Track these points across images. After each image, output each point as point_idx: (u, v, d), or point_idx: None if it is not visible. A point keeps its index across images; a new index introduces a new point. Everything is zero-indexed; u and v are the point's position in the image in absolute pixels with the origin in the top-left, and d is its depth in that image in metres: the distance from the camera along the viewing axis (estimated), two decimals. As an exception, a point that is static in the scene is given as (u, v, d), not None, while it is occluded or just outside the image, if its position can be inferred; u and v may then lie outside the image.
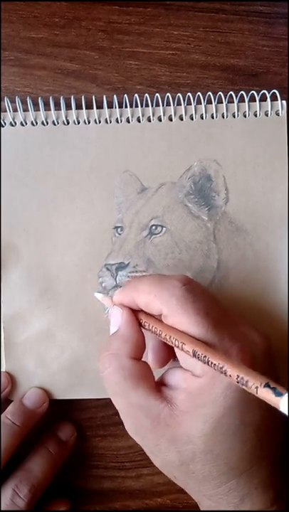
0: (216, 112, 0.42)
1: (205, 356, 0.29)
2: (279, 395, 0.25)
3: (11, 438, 0.39)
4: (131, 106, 0.42)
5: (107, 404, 0.42)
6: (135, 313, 0.35)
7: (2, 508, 0.37)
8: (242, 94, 0.42)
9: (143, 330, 0.35)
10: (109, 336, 0.35)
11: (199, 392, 0.31)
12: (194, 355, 0.30)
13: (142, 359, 0.34)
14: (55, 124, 0.42)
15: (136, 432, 0.33)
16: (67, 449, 0.41)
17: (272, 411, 0.31)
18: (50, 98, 0.42)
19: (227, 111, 0.42)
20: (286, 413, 0.24)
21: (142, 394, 0.32)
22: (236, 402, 0.30)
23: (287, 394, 0.25)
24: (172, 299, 0.32)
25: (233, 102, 0.42)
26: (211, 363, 0.29)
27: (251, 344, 0.33)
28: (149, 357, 0.36)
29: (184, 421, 0.31)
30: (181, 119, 0.42)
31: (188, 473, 0.32)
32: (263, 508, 0.32)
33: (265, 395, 0.26)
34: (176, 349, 0.32)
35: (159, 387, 0.33)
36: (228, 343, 0.31)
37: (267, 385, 0.26)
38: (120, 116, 0.42)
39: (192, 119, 0.42)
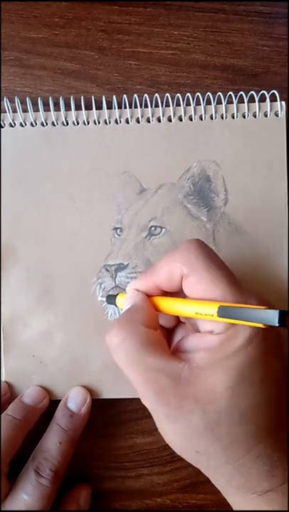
0: (215, 112, 0.42)
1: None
2: None
3: (12, 431, 0.39)
4: (130, 106, 0.42)
5: (107, 404, 0.42)
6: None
7: (30, 490, 0.37)
8: (241, 95, 0.42)
9: None
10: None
11: (220, 347, 0.31)
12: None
13: None
14: (54, 125, 0.42)
15: (158, 398, 0.31)
16: (80, 421, 0.41)
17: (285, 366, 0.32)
18: (50, 98, 0.42)
19: (226, 112, 0.42)
20: None
21: (160, 357, 0.31)
22: (258, 353, 0.30)
23: None
24: (191, 256, 0.32)
25: (233, 103, 0.42)
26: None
27: (265, 299, 0.33)
28: None
29: (207, 376, 0.30)
30: (181, 119, 0.42)
31: (214, 440, 0.30)
32: None
33: None
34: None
35: (175, 353, 0.33)
36: (248, 294, 0.31)
37: None
38: (119, 117, 0.42)
39: (191, 119, 0.42)
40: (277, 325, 0.26)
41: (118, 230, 0.42)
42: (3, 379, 0.42)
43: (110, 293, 0.42)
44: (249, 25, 0.45)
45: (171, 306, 0.34)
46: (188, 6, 0.45)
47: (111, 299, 0.39)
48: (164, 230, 0.42)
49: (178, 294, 0.34)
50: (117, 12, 0.45)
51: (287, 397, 0.32)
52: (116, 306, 0.38)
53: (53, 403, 0.41)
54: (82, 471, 0.43)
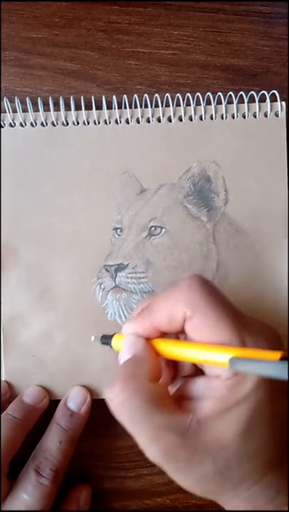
0: (215, 112, 0.42)
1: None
2: None
3: (12, 430, 0.39)
4: (130, 106, 0.42)
5: (107, 404, 0.42)
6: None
7: (30, 490, 0.37)
8: (241, 95, 0.42)
9: None
10: (121, 363, 0.33)
11: (229, 393, 0.30)
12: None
13: None
14: (54, 125, 0.42)
15: (166, 455, 0.30)
16: (80, 420, 0.41)
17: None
18: (50, 98, 0.42)
19: (226, 112, 0.42)
20: None
21: (166, 413, 0.30)
22: (267, 395, 0.30)
23: None
24: (194, 296, 0.31)
25: (233, 103, 0.42)
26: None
27: (270, 331, 0.32)
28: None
29: (215, 425, 0.30)
30: (181, 120, 0.42)
31: (224, 481, 0.30)
32: None
33: None
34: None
35: (179, 401, 0.32)
36: (255, 334, 0.30)
37: None
38: (119, 117, 0.42)
39: (191, 120, 0.42)
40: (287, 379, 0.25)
41: (118, 230, 0.42)
42: (3, 379, 0.42)
43: (110, 295, 0.41)
44: (249, 25, 0.45)
45: (176, 352, 0.32)
46: (188, 6, 0.45)
47: (106, 339, 0.37)
48: (164, 230, 0.42)
49: (177, 334, 0.33)
50: (117, 12, 0.45)
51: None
52: (111, 347, 0.36)
53: (53, 403, 0.41)
54: (82, 471, 0.43)
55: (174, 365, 0.36)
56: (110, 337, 0.36)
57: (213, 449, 0.29)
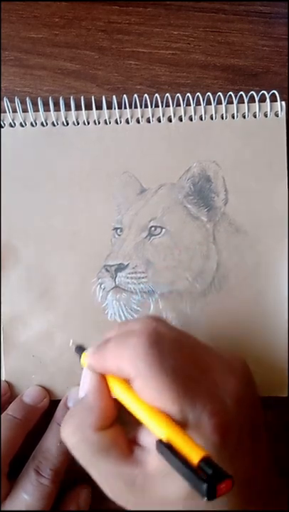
0: (215, 113, 0.42)
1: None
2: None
3: (12, 430, 0.39)
4: (130, 106, 0.42)
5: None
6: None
7: (30, 490, 0.37)
8: (241, 95, 0.42)
9: None
10: (75, 404, 0.34)
11: None
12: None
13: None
14: (54, 125, 0.42)
15: (116, 497, 0.31)
16: None
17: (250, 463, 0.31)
18: (50, 98, 0.42)
19: (226, 112, 0.42)
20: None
21: (112, 463, 0.30)
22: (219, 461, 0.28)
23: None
24: (137, 359, 0.30)
25: (233, 103, 0.42)
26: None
27: (223, 395, 0.31)
28: None
29: (161, 485, 0.29)
30: (181, 120, 0.42)
31: None
32: None
33: None
34: None
35: (132, 446, 0.31)
36: (199, 407, 0.29)
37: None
38: (119, 117, 0.42)
39: (191, 120, 0.42)
40: (204, 499, 0.24)
41: (118, 230, 0.42)
42: (3, 379, 0.42)
43: (110, 295, 0.42)
44: (249, 25, 0.45)
45: (123, 399, 0.32)
46: (188, 6, 0.45)
47: (79, 350, 0.36)
48: (164, 230, 0.42)
49: None
50: (117, 12, 0.45)
51: (256, 471, 0.31)
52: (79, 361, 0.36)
53: (53, 403, 0.41)
54: (82, 471, 0.43)
55: None
56: (82, 350, 0.35)
57: (161, 503, 0.29)
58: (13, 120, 0.42)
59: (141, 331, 0.31)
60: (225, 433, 0.29)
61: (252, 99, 0.42)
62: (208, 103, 0.42)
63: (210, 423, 0.28)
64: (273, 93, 0.42)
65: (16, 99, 0.42)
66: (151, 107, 0.42)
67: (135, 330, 0.31)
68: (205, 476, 0.25)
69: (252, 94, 0.42)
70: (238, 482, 0.28)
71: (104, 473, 0.30)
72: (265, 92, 0.42)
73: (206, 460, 0.26)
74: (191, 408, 0.29)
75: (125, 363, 0.30)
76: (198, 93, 0.42)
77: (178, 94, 0.42)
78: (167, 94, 0.42)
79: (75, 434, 0.31)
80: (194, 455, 0.26)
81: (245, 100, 0.42)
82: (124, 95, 0.42)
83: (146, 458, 0.30)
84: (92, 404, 0.32)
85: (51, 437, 0.40)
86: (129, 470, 0.30)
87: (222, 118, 0.42)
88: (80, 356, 0.35)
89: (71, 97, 0.42)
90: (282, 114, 0.42)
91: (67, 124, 0.42)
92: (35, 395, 0.41)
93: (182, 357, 0.31)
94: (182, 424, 0.28)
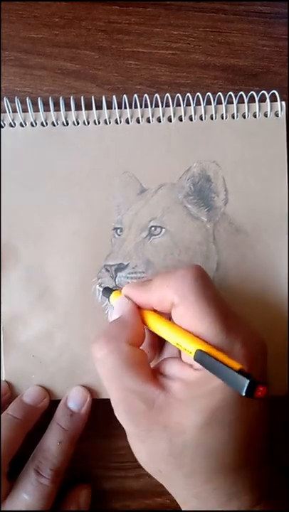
0: (215, 112, 0.42)
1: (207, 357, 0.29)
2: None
3: (12, 430, 0.39)
4: (130, 106, 0.42)
5: (106, 404, 0.42)
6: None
7: (30, 490, 0.37)
8: (241, 95, 0.42)
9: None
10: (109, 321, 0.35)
11: (197, 383, 0.31)
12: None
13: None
14: (54, 125, 0.42)
15: (129, 417, 0.32)
16: (80, 420, 0.41)
17: (264, 408, 0.32)
18: (50, 98, 0.42)
19: (226, 112, 0.42)
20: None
21: (138, 379, 0.32)
22: (234, 396, 0.30)
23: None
24: (185, 286, 0.32)
25: (233, 103, 0.42)
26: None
27: (253, 339, 0.33)
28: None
29: (179, 409, 0.31)
30: (181, 120, 0.42)
31: (176, 466, 0.31)
32: (248, 507, 0.32)
33: None
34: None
35: (155, 374, 0.33)
36: (233, 336, 0.31)
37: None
38: (119, 117, 0.42)
39: (191, 120, 0.42)
40: (243, 395, 0.26)
41: (118, 230, 0.42)
42: (3, 379, 0.42)
43: (107, 287, 0.42)
44: (249, 25, 0.45)
45: (157, 327, 0.34)
46: (188, 6, 0.45)
47: (107, 292, 0.40)
48: (164, 230, 0.42)
49: (169, 315, 0.34)
50: (117, 12, 0.45)
51: (258, 436, 0.32)
52: (109, 301, 0.39)
53: (53, 403, 0.41)
54: (82, 471, 0.43)
55: (161, 340, 0.37)
56: (111, 291, 0.39)
57: (172, 430, 0.31)
58: (13, 120, 0.42)
59: (188, 267, 0.34)
60: (252, 365, 0.30)
61: (252, 99, 0.42)
62: (208, 103, 0.42)
63: (241, 352, 0.31)
64: (273, 93, 0.42)
65: (16, 99, 0.42)
66: (151, 106, 0.42)
67: (182, 267, 0.34)
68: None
69: (252, 94, 0.42)
70: (254, 417, 0.30)
71: (126, 389, 0.32)
72: (265, 92, 0.42)
73: (242, 371, 0.27)
74: (226, 335, 0.31)
75: (171, 291, 0.32)
76: (198, 93, 0.42)
77: (178, 94, 0.42)
78: (167, 94, 0.42)
79: (107, 344, 0.33)
80: (233, 364, 0.28)
81: (245, 100, 0.42)
82: (124, 95, 0.42)
83: (170, 383, 0.32)
84: (127, 320, 0.34)
85: (51, 437, 0.40)
86: (152, 389, 0.31)
87: (222, 118, 0.42)
88: (108, 297, 0.39)
89: (71, 97, 0.42)
90: (282, 114, 0.42)
91: (67, 124, 0.42)
92: (35, 395, 0.41)
93: (220, 296, 0.34)
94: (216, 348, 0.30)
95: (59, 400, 0.41)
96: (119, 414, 0.33)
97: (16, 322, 0.42)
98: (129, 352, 0.32)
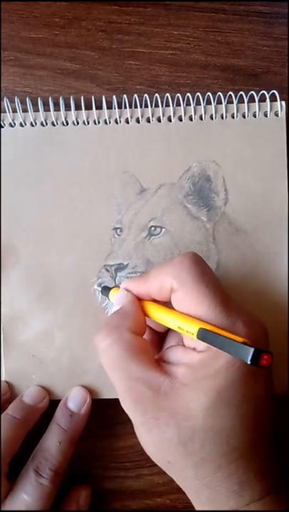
0: (215, 112, 0.42)
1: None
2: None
3: (12, 430, 0.39)
4: (130, 106, 0.42)
5: (107, 404, 0.42)
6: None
7: (30, 490, 0.37)
8: (241, 95, 0.42)
9: None
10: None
11: (202, 365, 0.31)
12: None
13: None
14: (54, 125, 0.42)
15: (136, 406, 0.32)
16: (80, 421, 0.41)
17: (269, 390, 0.32)
18: (50, 98, 0.42)
19: (226, 112, 0.42)
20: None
21: (142, 366, 0.32)
22: (239, 375, 0.30)
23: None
24: (182, 272, 0.32)
25: (233, 103, 0.42)
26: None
27: (254, 320, 0.33)
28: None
29: (185, 393, 0.31)
30: (180, 119, 0.42)
31: (186, 454, 0.31)
32: (262, 496, 0.31)
33: None
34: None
35: (159, 362, 0.33)
36: (234, 316, 0.31)
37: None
38: (119, 117, 0.42)
39: (191, 119, 0.42)
40: (249, 363, 0.26)
41: (118, 230, 0.42)
42: (3, 379, 0.42)
43: (105, 286, 0.42)
44: (249, 25, 0.45)
45: (158, 315, 0.34)
46: (188, 6, 0.45)
47: (105, 290, 0.40)
48: (164, 230, 0.42)
49: (169, 304, 0.34)
50: (117, 12, 0.45)
51: (265, 418, 0.32)
52: (108, 299, 0.39)
53: (53, 403, 0.41)
54: (82, 471, 0.43)
55: (161, 337, 0.38)
56: (109, 289, 0.39)
57: (180, 415, 0.30)
58: (13, 120, 0.42)
59: (184, 254, 0.34)
60: (255, 344, 0.30)
61: (252, 99, 0.42)
62: (208, 103, 0.42)
63: (244, 330, 0.31)
64: (273, 93, 0.42)
65: (16, 99, 0.42)
66: (151, 106, 0.42)
67: (178, 256, 0.34)
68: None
69: (252, 94, 0.42)
70: (260, 398, 0.31)
71: (131, 377, 0.32)
72: (265, 92, 0.42)
73: (246, 343, 0.27)
74: (227, 315, 0.31)
75: (169, 277, 0.33)
76: (198, 93, 0.42)
77: (178, 94, 0.42)
78: (167, 94, 0.42)
79: (110, 335, 0.33)
80: (236, 338, 0.28)
81: (245, 100, 0.42)
82: (124, 95, 0.42)
83: (174, 369, 0.32)
84: (128, 310, 0.35)
85: (51, 437, 0.40)
86: (157, 375, 0.32)
87: (222, 118, 0.42)
88: (108, 295, 0.39)
89: (71, 97, 0.42)
90: (282, 114, 0.42)
91: (67, 124, 0.42)
92: (35, 395, 0.41)
93: (219, 281, 0.34)
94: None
95: (59, 400, 0.41)
96: (126, 404, 0.33)
97: (16, 322, 0.42)
98: (131, 340, 0.33)
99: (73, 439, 0.40)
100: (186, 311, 0.32)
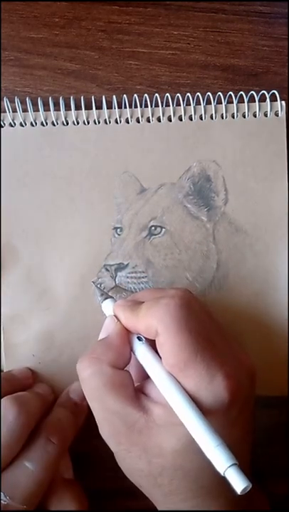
0: (215, 112, 0.42)
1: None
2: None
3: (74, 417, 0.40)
4: (130, 106, 0.42)
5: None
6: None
7: (35, 457, 0.36)
8: (241, 95, 0.42)
9: None
10: (96, 341, 0.36)
11: None
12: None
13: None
14: (54, 125, 0.42)
15: (110, 437, 0.33)
16: (83, 411, 0.41)
17: (246, 437, 0.33)
18: (50, 98, 0.42)
19: (226, 111, 0.42)
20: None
21: (119, 401, 0.32)
22: (215, 424, 0.30)
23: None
24: (166, 316, 0.31)
25: (233, 103, 0.42)
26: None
27: (239, 368, 0.33)
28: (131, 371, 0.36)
29: (158, 433, 0.31)
30: (181, 119, 0.42)
31: (155, 485, 0.32)
32: None
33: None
34: None
35: (139, 394, 0.33)
36: (215, 367, 0.31)
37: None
38: (119, 117, 0.42)
39: (191, 119, 0.42)
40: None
41: (118, 230, 0.42)
42: (3, 379, 0.42)
43: (110, 293, 0.42)
44: (249, 25, 0.45)
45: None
46: (188, 6, 0.45)
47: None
48: (164, 229, 0.42)
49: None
50: (117, 12, 0.45)
51: (239, 458, 0.32)
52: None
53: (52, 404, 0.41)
54: (82, 471, 0.43)
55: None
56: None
57: (151, 452, 0.31)
58: (13, 120, 0.42)
59: (173, 294, 0.33)
60: (235, 394, 0.30)
61: (252, 99, 0.42)
62: (208, 103, 0.42)
63: (222, 384, 0.30)
64: (273, 93, 0.42)
65: (16, 99, 0.42)
66: (151, 106, 0.42)
67: (168, 293, 0.34)
68: None
69: (252, 94, 0.42)
70: (234, 444, 0.29)
71: (108, 410, 0.32)
72: (265, 92, 0.42)
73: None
74: (207, 367, 0.31)
75: (155, 320, 0.32)
76: (198, 93, 0.42)
77: (178, 95, 0.42)
78: (167, 95, 0.42)
79: (91, 366, 0.33)
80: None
81: (245, 100, 0.42)
82: (124, 95, 0.42)
83: (151, 407, 0.32)
84: (112, 343, 0.34)
85: (60, 410, 0.40)
86: (133, 412, 0.32)
87: (222, 118, 0.42)
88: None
89: (71, 97, 0.42)
90: (282, 114, 0.42)
91: (67, 123, 0.42)
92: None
93: (206, 324, 0.33)
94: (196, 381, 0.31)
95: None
96: (102, 432, 0.34)
97: (16, 322, 0.42)
98: (112, 374, 0.32)
99: (80, 417, 0.40)
100: (166, 356, 0.32)
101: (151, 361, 0.33)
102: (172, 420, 0.30)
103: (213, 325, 0.34)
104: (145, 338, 0.34)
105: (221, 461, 0.27)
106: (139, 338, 0.35)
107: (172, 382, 0.31)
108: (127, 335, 0.35)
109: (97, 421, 0.33)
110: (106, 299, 0.39)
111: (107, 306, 0.38)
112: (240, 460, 0.30)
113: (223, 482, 0.31)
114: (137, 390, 0.34)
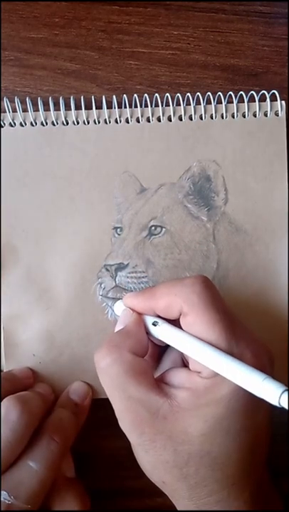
0: (215, 112, 0.42)
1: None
2: None
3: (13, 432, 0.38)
4: (130, 106, 0.42)
5: (107, 404, 0.42)
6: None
7: (38, 457, 0.35)
8: (241, 95, 0.42)
9: None
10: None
11: (204, 392, 0.31)
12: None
13: None
14: (54, 125, 0.42)
15: (133, 427, 0.32)
16: (84, 411, 0.41)
17: (268, 420, 0.32)
18: (50, 98, 0.42)
19: (226, 111, 0.42)
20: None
21: (142, 388, 0.31)
22: (240, 405, 0.30)
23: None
24: (194, 295, 0.32)
25: (233, 103, 0.42)
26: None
27: (261, 349, 0.33)
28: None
29: (184, 418, 0.31)
30: (181, 119, 0.42)
31: (181, 477, 0.31)
32: None
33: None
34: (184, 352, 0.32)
35: (159, 383, 0.33)
36: (242, 345, 0.31)
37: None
38: (119, 117, 0.42)
39: (191, 119, 0.42)
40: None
41: (118, 230, 0.42)
42: (3, 379, 0.42)
43: (110, 294, 0.42)
44: (249, 25, 0.45)
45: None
46: (188, 6, 0.45)
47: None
48: (164, 229, 0.42)
49: (173, 322, 0.34)
50: (117, 12, 0.45)
51: (261, 447, 0.33)
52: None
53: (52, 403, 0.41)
54: (82, 471, 0.43)
55: (162, 351, 0.38)
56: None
57: (177, 439, 0.31)
58: (13, 120, 0.42)
59: (195, 276, 0.34)
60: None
61: (252, 99, 0.42)
62: (208, 103, 0.42)
63: (251, 361, 0.31)
64: (273, 93, 0.42)
65: (16, 99, 0.42)
66: (151, 106, 0.42)
67: (187, 278, 0.34)
68: None
69: (252, 94, 0.42)
70: (260, 427, 0.30)
71: (130, 399, 0.32)
72: (265, 92, 0.42)
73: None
74: (236, 343, 0.31)
75: (179, 299, 0.32)
76: (198, 93, 0.42)
77: (178, 94, 0.42)
78: (167, 94, 0.42)
79: (110, 354, 0.32)
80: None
81: (245, 100, 0.42)
82: (124, 95, 0.42)
83: (174, 392, 0.32)
84: (131, 330, 0.34)
85: (61, 409, 0.39)
86: (156, 398, 0.31)
87: (222, 117, 0.42)
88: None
89: (71, 97, 0.42)
90: (282, 114, 0.42)
91: (67, 123, 0.42)
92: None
93: (228, 307, 0.34)
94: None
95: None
96: (124, 424, 0.33)
97: (16, 322, 0.42)
98: (132, 361, 0.32)
99: (81, 418, 0.40)
100: (196, 334, 0.32)
101: (178, 334, 0.33)
102: (199, 402, 0.30)
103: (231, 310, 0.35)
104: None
105: (272, 390, 0.27)
106: (154, 324, 0.35)
107: (206, 345, 0.31)
108: (143, 324, 0.35)
109: (117, 412, 0.33)
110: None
111: (119, 306, 0.38)
112: (262, 449, 0.31)
113: (249, 471, 0.31)
114: (156, 380, 0.33)
